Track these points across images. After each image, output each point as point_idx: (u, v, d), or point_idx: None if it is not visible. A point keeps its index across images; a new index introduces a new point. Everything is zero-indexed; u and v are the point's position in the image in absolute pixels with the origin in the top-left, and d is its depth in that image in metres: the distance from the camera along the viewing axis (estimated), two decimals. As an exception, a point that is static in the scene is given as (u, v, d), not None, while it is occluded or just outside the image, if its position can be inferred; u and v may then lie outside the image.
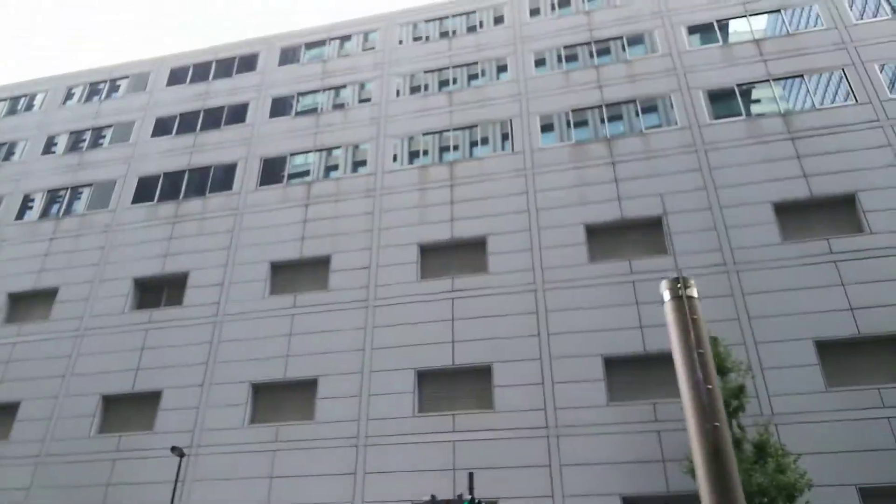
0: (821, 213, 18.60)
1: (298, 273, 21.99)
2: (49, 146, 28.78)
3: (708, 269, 18.11)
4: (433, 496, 14.77)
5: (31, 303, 24.10)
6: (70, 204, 26.46)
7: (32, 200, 27.07)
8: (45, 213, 26.45)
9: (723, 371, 15.02)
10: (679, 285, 1.51)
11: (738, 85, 21.70)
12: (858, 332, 16.28)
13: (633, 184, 20.41)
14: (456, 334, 19.03)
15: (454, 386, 18.47)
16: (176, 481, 17.31)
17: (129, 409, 20.75)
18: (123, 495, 18.98)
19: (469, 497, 14.14)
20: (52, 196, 26.96)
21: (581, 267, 19.29)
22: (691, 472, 13.98)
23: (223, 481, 18.29)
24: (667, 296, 1.52)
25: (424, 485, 16.28)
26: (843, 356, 16.19)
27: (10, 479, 20.11)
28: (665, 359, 17.11)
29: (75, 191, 26.77)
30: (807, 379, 15.98)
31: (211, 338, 21.13)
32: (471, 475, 14.97)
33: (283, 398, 19.61)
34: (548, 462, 16.45)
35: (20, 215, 26.70)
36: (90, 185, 26.66)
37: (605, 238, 19.85)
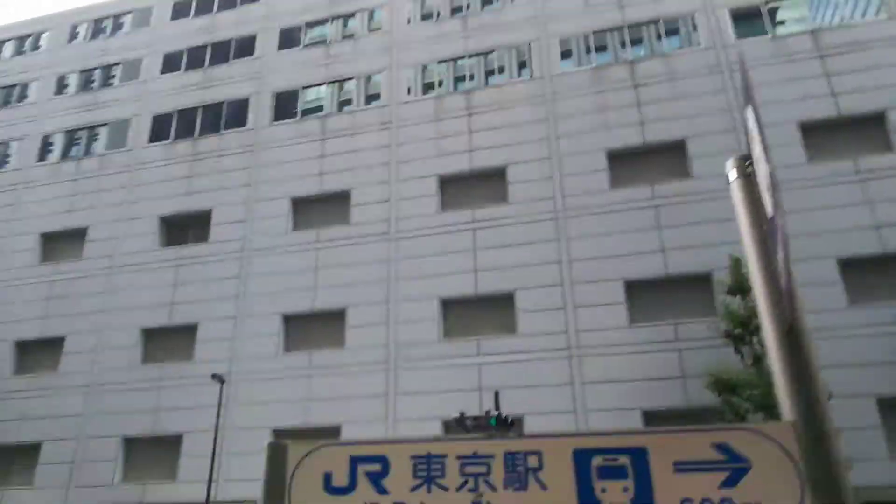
0: (848, 132, 19.44)
1: (319, 208, 23.34)
2: (61, 86, 29.96)
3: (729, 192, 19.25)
4: (462, 413, 16.46)
5: (63, 242, 25.77)
6: (89, 144, 27.85)
7: (52, 143, 28.57)
8: (65, 155, 27.84)
9: (744, 291, 16.36)
10: (748, 163, 2.05)
11: (766, 2, 22.16)
12: (883, 250, 17.50)
13: (656, 107, 21.28)
14: (478, 263, 20.55)
15: (478, 312, 20.11)
16: (219, 406, 19.44)
17: (168, 341, 22.74)
18: (171, 419, 21.20)
19: (496, 413, 15.90)
20: (71, 137, 28.32)
21: (602, 193, 20.47)
22: (711, 386, 15.51)
23: (262, 405, 20.36)
24: (733, 175, 2.07)
25: (452, 404, 18.17)
26: (867, 273, 17.42)
27: (64, 407, 22.42)
28: (687, 280, 18.62)
29: (92, 131, 28.13)
30: (829, 296, 17.23)
31: (239, 272, 22.88)
32: (497, 393, 16.72)
33: (313, 327, 21.43)
34: (570, 380, 18.27)
35: (42, 157, 28.27)
36: (105, 124, 28.04)
37: (627, 163, 20.91)
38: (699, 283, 18.41)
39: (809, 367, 1.75)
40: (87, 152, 27.60)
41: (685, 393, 17.14)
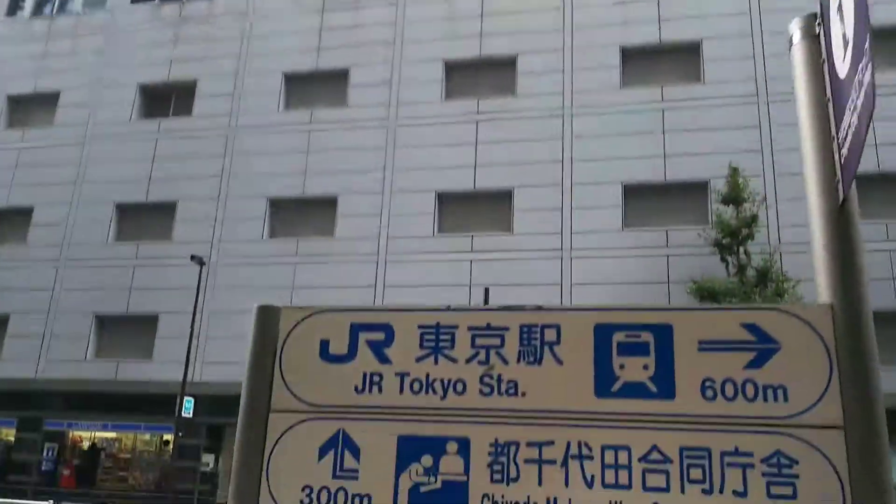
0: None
1: (315, 86, 22.49)
2: (32, -68, 28.01)
3: (739, 99, 18.85)
4: (448, 307, 16.75)
5: (33, 107, 24.86)
6: (64, 1, 26.40)
7: (22, -3, 27.03)
8: (37, 11, 26.34)
9: (738, 201, 16.51)
10: (817, 21, 1.80)
11: None
12: (879, 168, 17.43)
13: (675, 3, 20.35)
14: (479, 158, 20.20)
15: (474, 209, 20.00)
16: (198, 288, 19.58)
17: (145, 219, 22.46)
18: (146, 299, 21.32)
19: (484, 308, 16.21)
20: (43, -9, 26.84)
21: (612, 93, 19.85)
22: (693, 292, 15.93)
23: (244, 289, 20.41)
24: (797, 36, 1.80)
25: (441, 298, 18.40)
26: (860, 191, 17.36)
27: (34, 281, 22.29)
28: (684, 187, 18.59)
29: (67, -14, 26.62)
30: (820, 212, 17.41)
31: (224, 150, 22.37)
32: (486, 290, 17.01)
33: (302, 214, 21.25)
34: (559, 281, 18.58)
35: (11, 11, 26.70)
36: (82, -20, 26.47)
37: (640, 62, 20.14)
38: (695, 190, 18.44)
39: (855, 248, 1.66)
40: (62, 9, 26.15)
41: (668, 298, 17.54)
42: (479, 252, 19.29)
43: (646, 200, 18.86)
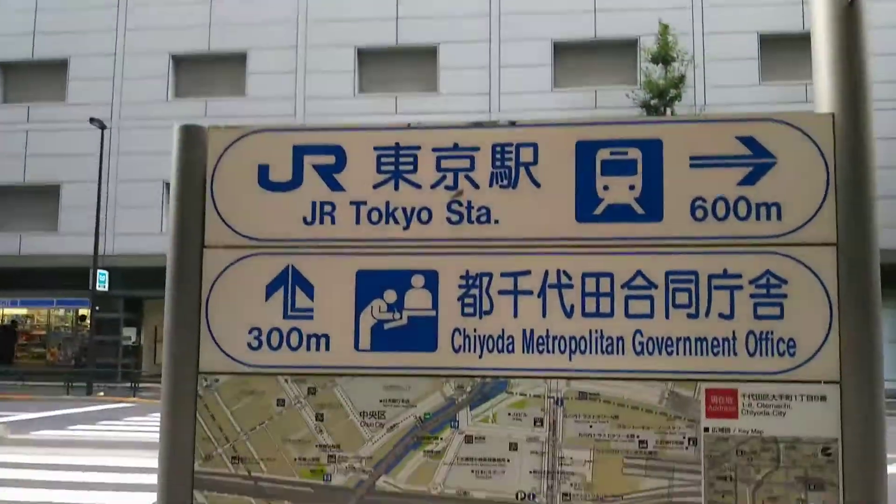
0: None
1: (218, -75, 20.38)
2: None
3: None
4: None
5: None
6: None
7: None
8: None
9: (667, 60, 16.49)
10: None
11: None
12: (804, 28, 17.66)
13: None
14: (401, 9, 19.03)
15: (398, 67, 19.13)
16: (101, 154, 18.23)
17: (34, 78, 20.43)
18: (44, 167, 19.84)
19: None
20: None
21: (542, -61, 18.95)
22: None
23: (151, 155, 19.22)
24: None
25: (365, 161, 18.05)
26: (783, 52, 17.74)
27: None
28: (613, 45, 18.34)
29: None
30: (744, 72, 17.69)
31: (118, 0, 20.24)
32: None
33: (210, 72, 19.76)
34: (488, 143, 18.42)
35: None
36: None
37: None
38: (625, 49, 18.24)
39: (860, 49, 1.51)
40: None
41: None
42: (403, 114, 18.70)
43: (575, 59, 18.55)
